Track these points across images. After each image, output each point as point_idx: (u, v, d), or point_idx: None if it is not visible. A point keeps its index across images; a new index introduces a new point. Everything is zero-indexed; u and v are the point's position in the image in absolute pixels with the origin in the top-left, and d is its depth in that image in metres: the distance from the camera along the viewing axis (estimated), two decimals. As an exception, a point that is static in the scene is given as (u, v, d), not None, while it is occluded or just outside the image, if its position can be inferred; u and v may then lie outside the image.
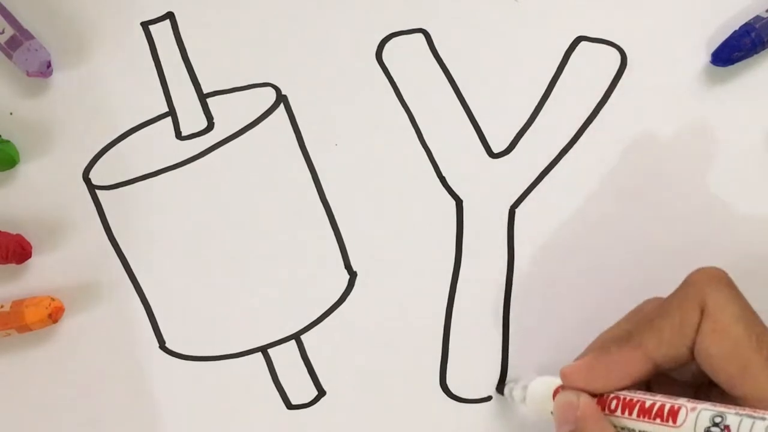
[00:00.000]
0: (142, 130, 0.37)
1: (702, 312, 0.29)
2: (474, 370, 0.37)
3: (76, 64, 0.37)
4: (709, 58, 0.36)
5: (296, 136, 0.37)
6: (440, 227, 0.37)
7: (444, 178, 0.37)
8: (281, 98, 0.37)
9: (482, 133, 0.37)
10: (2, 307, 0.36)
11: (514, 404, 0.35)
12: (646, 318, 0.31)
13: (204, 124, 0.37)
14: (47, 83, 0.37)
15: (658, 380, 0.31)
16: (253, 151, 0.37)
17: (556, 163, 0.37)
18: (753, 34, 0.35)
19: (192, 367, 0.37)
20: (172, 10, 0.37)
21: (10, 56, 0.36)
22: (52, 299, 0.36)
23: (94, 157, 0.37)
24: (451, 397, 0.37)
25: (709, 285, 0.29)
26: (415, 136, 0.37)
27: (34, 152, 0.37)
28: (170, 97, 0.37)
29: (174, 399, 0.37)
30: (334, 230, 0.37)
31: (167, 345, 0.37)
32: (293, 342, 0.37)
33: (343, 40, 0.37)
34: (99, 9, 0.37)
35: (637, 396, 0.30)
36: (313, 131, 0.37)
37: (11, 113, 0.37)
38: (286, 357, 0.37)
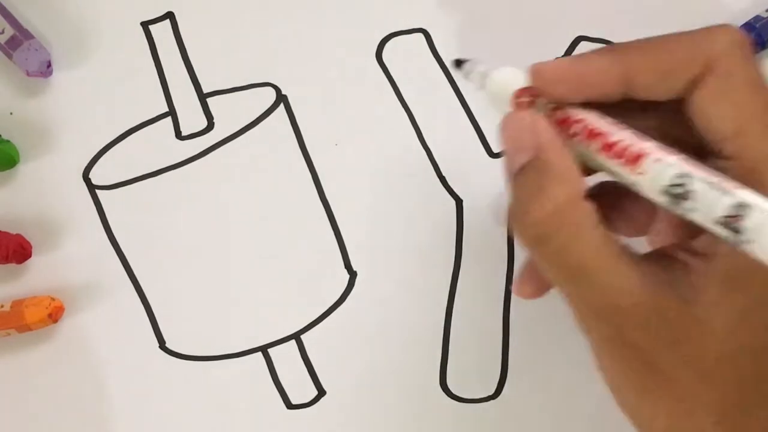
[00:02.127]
0: (142, 130, 0.37)
1: (706, 64, 0.26)
2: (474, 370, 0.37)
3: (76, 64, 0.37)
4: (709, 58, 0.36)
5: (296, 136, 0.37)
6: (440, 227, 0.37)
7: (444, 178, 0.37)
8: (281, 98, 0.37)
9: (482, 133, 0.37)
10: (2, 307, 0.36)
11: (469, 82, 0.31)
12: (641, 42, 0.27)
13: (204, 124, 0.37)
14: (47, 83, 0.37)
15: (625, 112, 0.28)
16: (253, 151, 0.37)
17: (556, 163, 0.37)
18: (753, 34, 0.35)
19: (192, 367, 0.37)
20: (172, 10, 0.37)
21: (10, 56, 0.36)
22: (52, 299, 0.36)
23: (94, 157, 0.37)
24: (451, 397, 0.37)
25: (726, 42, 0.26)
26: (415, 136, 0.37)
27: (34, 152, 0.37)
28: (170, 97, 0.37)
29: (174, 399, 0.37)
30: (334, 230, 0.37)
31: (167, 345, 0.37)
32: (293, 342, 0.37)
33: (343, 40, 0.37)
34: (99, 9, 0.37)
35: (604, 127, 0.26)
36: (313, 131, 0.37)
37: (11, 113, 0.37)
38: (286, 357, 0.37)
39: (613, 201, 0.30)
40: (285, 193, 0.37)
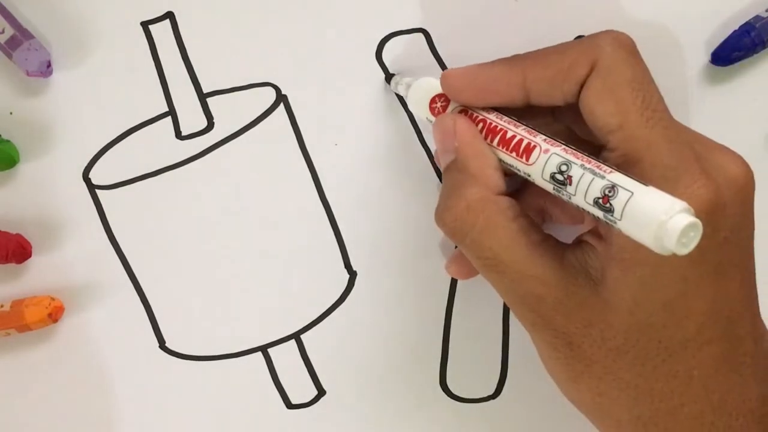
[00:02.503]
0: (142, 130, 0.37)
1: (592, 67, 0.28)
2: (474, 370, 0.37)
3: (76, 64, 0.37)
4: (709, 58, 0.36)
5: (296, 136, 0.37)
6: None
7: (444, 178, 0.37)
8: (281, 98, 0.37)
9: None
10: (2, 306, 0.36)
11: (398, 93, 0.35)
12: (538, 52, 0.30)
13: (204, 124, 0.37)
14: (47, 83, 0.37)
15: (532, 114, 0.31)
16: (253, 151, 0.37)
17: (556, 163, 0.37)
18: (753, 34, 0.35)
19: (192, 367, 0.37)
20: (172, 10, 0.37)
21: (10, 56, 0.36)
22: (52, 299, 0.36)
23: (94, 157, 0.37)
24: (451, 397, 0.37)
25: (608, 44, 0.29)
26: (416, 136, 0.37)
27: (34, 152, 0.37)
28: (170, 97, 0.37)
29: (174, 399, 0.37)
30: (334, 230, 0.37)
31: (167, 345, 0.37)
32: (293, 342, 0.37)
33: (343, 40, 0.37)
34: (99, 9, 0.37)
35: (502, 124, 0.29)
36: (313, 131, 0.37)
37: (11, 113, 0.37)
38: (286, 357, 0.37)
39: (546, 194, 0.31)
40: (285, 193, 0.37)
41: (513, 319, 0.37)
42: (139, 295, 0.37)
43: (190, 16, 0.37)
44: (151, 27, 0.37)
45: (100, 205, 0.37)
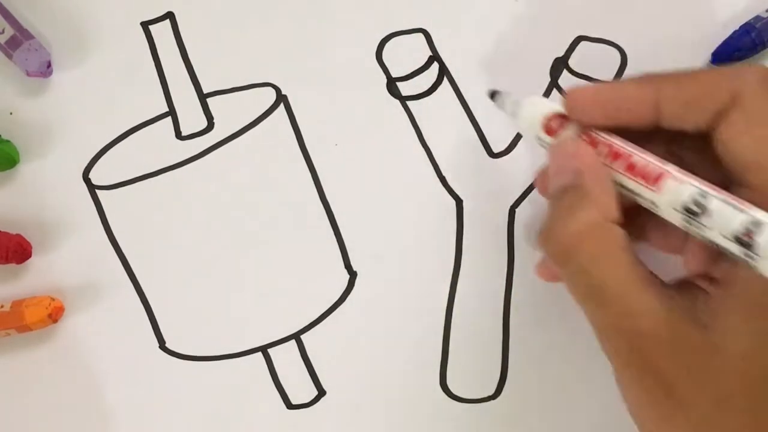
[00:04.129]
0: (142, 130, 0.37)
1: (733, 99, 0.27)
2: (474, 370, 0.37)
3: (76, 64, 0.37)
4: (709, 58, 0.36)
5: (296, 136, 0.37)
6: (440, 227, 0.37)
7: (444, 178, 0.37)
8: (281, 98, 0.37)
9: (482, 133, 0.37)
10: (2, 307, 0.36)
11: (504, 113, 0.33)
12: (674, 72, 0.29)
13: (204, 124, 0.37)
14: (47, 83, 0.37)
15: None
16: (253, 151, 0.37)
17: (556, 163, 0.37)
18: (753, 34, 0.35)
19: (192, 367, 0.37)
20: (172, 10, 0.37)
21: (10, 56, 0.36)
22: (52, 299, 0.36)
23: (94, 157, 0.37)
24: (451, 397, 0.37)
25: (755, 80, 0.27)
26: (415, 136, 0.37)
27: (34, 152, 0.37)
28: (170, 97, 0.37)
29: (174, 399, 0.37)
30: (334, 230, 0.37)
31: (167, 345, 0.37)
32: (293, 342, 0.37)
33: (343, 40, 0.37)
34: (99, 9, 0.37)
35: (629, 149, 0.28)
36: (313, 131, 0.37)
37: (11, 113, 0.37)
38: (286, 357, 0.37)
39: (651, 217, 0.30)
40: (285, 193, 0.37)
41: (513, 319, 0.37)
42: (139, 295, 0.37)
43: (190, 16, 0.37)
44: (151, 27, 0.37)
45: (100, 205, 0.37)
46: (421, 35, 0.37)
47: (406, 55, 0.37)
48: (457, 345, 0.37)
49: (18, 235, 0.36)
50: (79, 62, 0.37)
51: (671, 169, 0.27)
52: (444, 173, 0.37)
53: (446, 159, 0.37)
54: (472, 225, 0.37)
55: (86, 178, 0.37)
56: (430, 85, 0.37)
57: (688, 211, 0.26)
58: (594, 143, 0.29)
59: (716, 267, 0.28)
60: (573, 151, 0.29)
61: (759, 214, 0.24)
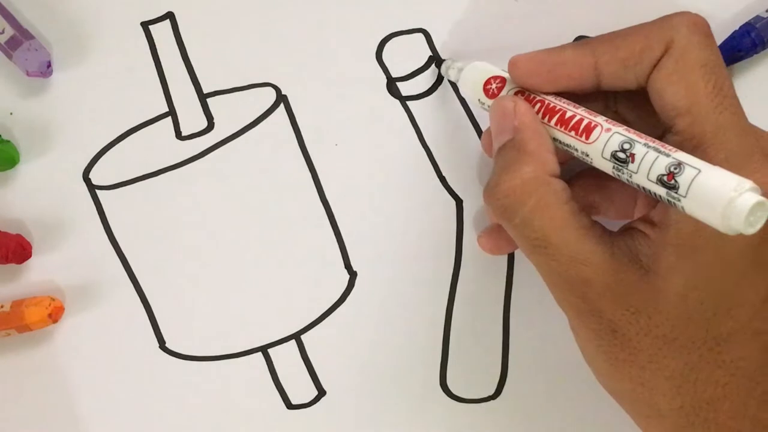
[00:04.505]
0: (142, 130, 0.37)
1: (666, 49, 0.28)
2: (474, 370, 0.37)
3: (76, 64, 0.37)
4: (709, 58, 0.36)
5: (296, 136, 0.37)
6: (440, 227, 0.37)
7: (444, 178, 0.37)
8: (281, 98, 0.37)
9: (482, 133, 0.37)
10: (2, 307, 0.36)
11: (449, 79, 0.36)
12: (610, 34, 0.30)
13: (204, 124, 0.37)
14: (47, 83, 0.37)
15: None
16: (253, 151, 0.37)
17: (556, 163, 0.37)
18: (753, 34, 0.35)
19: (192, 367, 0.37)
20: (172, 10, 0.37)
21: (10, 56, 0.36)
22: (52, 299, 0.36)
23: (94, 157, 0.37)
24: (451, 397, 0.37)
25: (684, 26, 0.29)
26: (416, 136, 0.37)
27: (34, 152, 0.37)
28: (170, 97, 0.37)
29: (174, 399, 0.37)
30: (334, 230, 0.37)
31: (167, 345, 0.37)
32: (293, 342, 0.37)
33: (343, 40, 0.37)
34: (99, 9, 0.37)
35: (561, 104, 0.29)
36: (313, 131, 0.37)
37: (11, 113, 0.37)
38: (286, 357, 0.37)
39: (596, 187, 0.32)
40: (285, 193, 0.37)
41: (513, 319, 0.37)
42: (139, 295, 0.37)
43: (190, 16, 0.37)
44: (151, 27, 0.37)
45: (100, 205, 0.37)
46: (421, 35, 0.37)
47: (406, 55, 0.37)
48: (457, 345, 0.37)
49: (18, 235, 0.36)
50: (79, 62, 0.37)
51: (600, 120, 0.28)
52: (444, 173, 0.37)
53: (446, 159, 0.37)
54: (472, 225, 0.37)
55: (86, 178, 0.37)
56: (430, 85, 0.37)
57: (616, 159, 0.27)
58: (529, 101, 0.30)
59: (654, 211, 0.29)
60: (510, 109, 0.30)
61: (680, 155, 0.25)
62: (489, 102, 0.32)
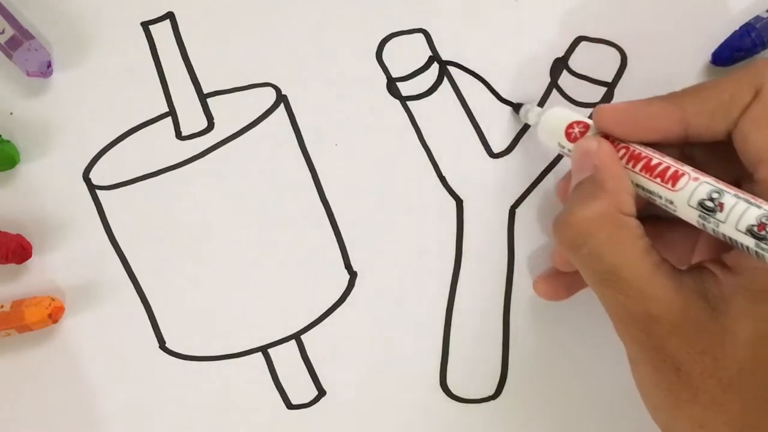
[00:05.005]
0: (142, 130, 0.37)
1: (756, 95, 0.28)
2: (474, 370, 0.37)
3: (76, 64, 0.37)
4: (709, 58, 0.36)
5: (296, 136, 0.37)
6: (440, 227, 0.37)
7: (444, 178, 0.37)
8: (281, 98, 0.37)
9: (482, 133, 0.37)
10: (2, 307, 0.36)
11: (527, 123, 0.36)
12: (696, 86, 0.30)
13: (204, 124, 0.37)
14: (47, 83, 0.37)
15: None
16: (253, 151, 0.37)
17: (556, 163, 0.37)
18: (753, 34, 0.35)
19: (192, 367, 0.37)
20: (172, 10, 0.37)
21: (10, 56, 0.36)
22: (52, 299, 0.36)
23: (94, 157, 0.37)
24: (451, 397, 0.37)
25: None
26: (416, 136, 0.37)
27: (34, 152, 0.37)
28: (170, 97, 0.37)
29: (174, 399, 0.37)
30: (334, 230, 0.37)
31: (167, 345, 0.37)
32: (293, 342, 0.37)
33: (343, 40, 0.37)
34: (99, 9, 0.37)
35: (647, 152, 0.29)
36: (313, 131, 0.37)
37: (11, 113, 0.37)
38: (286, 357, 0.37)
39: (657, 233, 0.31)
40: (285, 193, 0.37)
41: (513, 319, 0.37)
42: (139, 295, 0.37)
43: (190, 16, 0.37)
44: (151, 27, 0.37)
45: (100, 205, 0.37)
46: (421, 35, 0.37)
47: (406, 55, 0.37)
48: (457, 345, 0.37)
49: (18, 235, 0.36)
50: (79, 62, 0.37)
51: (687, 169, 0.28)
52: (444, 173, 0.37)
53: (446, 159, 0.37)
54: (472, 225, 0.37)
55: (86, 178, 0.37)
56: (430, 85, 0.37)
57: (704, 208, 0.27)
58: (613, 145, 0.30)
59: (727, 255, 0.28)
60: (593, 149, 0.30)
61: None
62: (569, 146, 0.32)
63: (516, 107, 0.36)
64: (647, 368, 0.29)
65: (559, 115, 0.33)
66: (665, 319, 0.27)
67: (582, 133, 0.32)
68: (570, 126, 0.32)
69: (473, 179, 0.37)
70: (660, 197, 0.29)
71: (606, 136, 0.31)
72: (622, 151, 0.30)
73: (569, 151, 0.32)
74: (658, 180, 0.28)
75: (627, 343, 0.29)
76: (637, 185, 0.29)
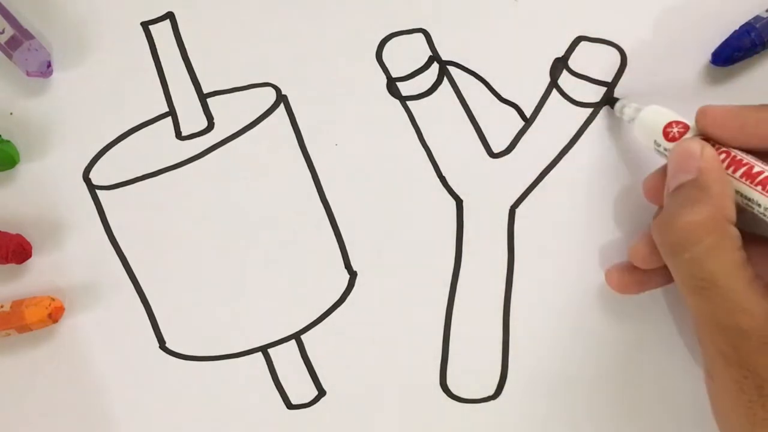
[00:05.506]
0: (142, 130, 0.37)
1: None
2: (474, 370, 0.37)
3: (76, 64, 0.37)
4: (709, 58, 0.36)
5: (296, 136, 0.37)
6: (440, 227, 0.37)
7: (444, 178, 0.37)
8: (281, 98, 0.37)
9: (482, 133, 0.37)
10: (2, 307, 0.36)
11: (622, 121, 0.36)
12: None
13: (204, 124, 0.37)
14: (47, 83, 0.37)
15: None
16: (253, 151, 0.37)
17: (556, 163, 0.37)
18: (753, 34, 0.35)
19: (192, 367, 0.37)
20: (172, 10, 0.37)
21: (10, 56, 0.36)
22: (52, 299, 0.36)
23: (94, 157, 0.37)
24: (451, 397, 0.37)
25: None
26: (415, 136, 0.37)
27: (34, 152, 0.37)
28: (170, 97, 0.37)
29: (174, 399, 0.37)
30: (334, 230, 0.37)
31: (167, 345, 0.37)
32: (293, 342, 0.37)
33: (343, 40, 0.37)
34: (99, 9, 0.37)
35: (748, 158, 0.29)
36: (313, 131, 0.37)
37: (11, 113, 0.37)
38: (286, 357, 0.37)
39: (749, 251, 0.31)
40: (285, 193, 0.37)
41: (513, 319, 0.37)
42: (139, 295, 0.37)
43: (190, 16, 0.37)
44: (151, 27, 0.37)
45: (100, 205, 0.37)
46: (421, 35, 0.37)
47: (406, 55, 0.37)
48: (457, 345, 0.37)
49: (18, 235, 0.36)
50: (79, 62, 0.37)
51: None
52: (444, 173, 0.37)
53: (446, 159, 0.37)
54: (472, 225, 0.37)
55: (86, 178, 0.37)
56: (430, 85, 0.37)
57: None
58: (714, 149, 0.30)
59: None
60: (696, 151, 0.29)
61: None
62: (666, 145, 0.31)
63: (612, 102, 0.36)
64: (727, 383, 0.28)
65: (659, 112, 0.32)
66: (756, 335, 0.27)
67: (681, 134, 0.31)
68: (669, 125, 0.31)
69: (473, 179, 0.37)
70: (759, 206, 0.28)
71: (705, 139, 0.30)
72: (723, 155, 0.29)
73: (665, 150, 0.32)
74: (760, 188, 0.28)
75: (710, 354, 0.29)
76: (737, 192, 0.29)
